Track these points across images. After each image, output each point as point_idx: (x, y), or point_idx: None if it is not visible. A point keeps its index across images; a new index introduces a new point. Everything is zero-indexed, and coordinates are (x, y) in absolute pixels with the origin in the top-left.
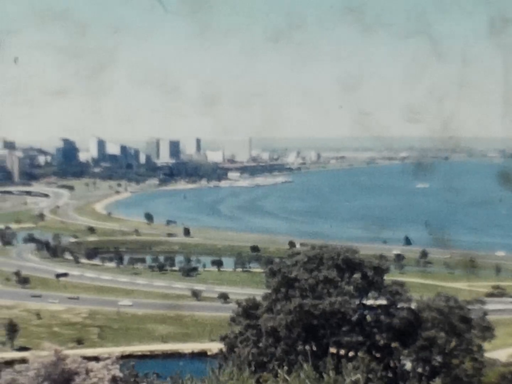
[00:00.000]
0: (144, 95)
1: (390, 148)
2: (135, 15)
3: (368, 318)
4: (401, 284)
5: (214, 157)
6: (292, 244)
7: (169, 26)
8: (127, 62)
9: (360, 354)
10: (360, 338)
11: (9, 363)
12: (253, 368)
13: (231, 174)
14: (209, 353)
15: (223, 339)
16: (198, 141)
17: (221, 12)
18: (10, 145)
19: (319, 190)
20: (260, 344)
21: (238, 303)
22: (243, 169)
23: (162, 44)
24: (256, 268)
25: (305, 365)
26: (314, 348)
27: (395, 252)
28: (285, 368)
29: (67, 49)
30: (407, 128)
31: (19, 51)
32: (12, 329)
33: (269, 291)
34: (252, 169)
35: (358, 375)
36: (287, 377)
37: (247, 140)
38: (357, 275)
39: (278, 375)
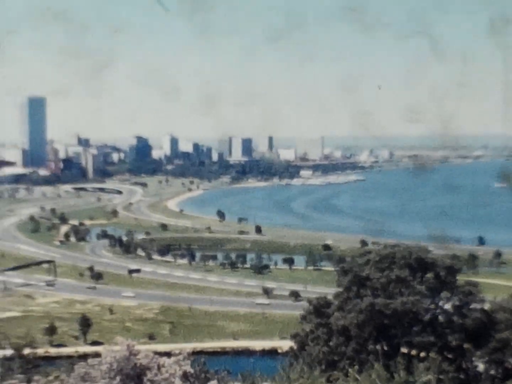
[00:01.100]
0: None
1: (464, 146)
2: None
3: (440, 318)
4: (475, 285)
5: (287, 155)
6: (364, 243)
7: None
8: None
9: (431, 354)
10: (432, 339)
11: (82, 357)
12: (323, 367)
13: (303, 172)
14: (279, 351)
15: (293, 337)
16: (270, 139)
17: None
18: (84, 143)
19: (392, 188)
20: (331, 343)
21: (309, 301)
22: (315, 167)
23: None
24: (328, 267)
25: (376, 365)
26: (385, 348)
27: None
28: (356, 367)
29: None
30: (482, 127)
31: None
32: (85, 323)
33: (340, 289)
34: (325, 167)
35: (430, 376)
36: (357, 377)
37: (320, 138)
38: (429, 275)
39: (349, 374)
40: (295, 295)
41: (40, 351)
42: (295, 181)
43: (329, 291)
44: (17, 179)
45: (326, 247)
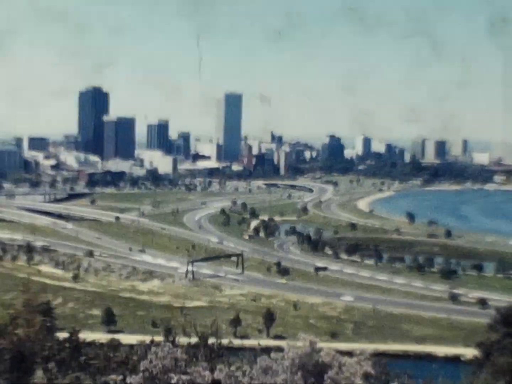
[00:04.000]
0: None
1: None
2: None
3: None
4: None
5: (481, 158)
6: None
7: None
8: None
9: None
10: None
11: (264, 350)
12: (508, 378)
13: (497, 177)
14: (462, 358)
15: (478, 345)
16: (464, 142)
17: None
18: (278, 139)
19: None
20: None
21: (498, 309)
22: (510, 172)
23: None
24: None
25: None
26: None
27: None
28: None
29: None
30: None
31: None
32: (270, 317)
33: None
34: None
35: None
36: None
37: None
38: None
39: None
40: (482, 302)
41: (224, 341)
42: (488, 186)
43: None
44: (211, 172)
45: None
